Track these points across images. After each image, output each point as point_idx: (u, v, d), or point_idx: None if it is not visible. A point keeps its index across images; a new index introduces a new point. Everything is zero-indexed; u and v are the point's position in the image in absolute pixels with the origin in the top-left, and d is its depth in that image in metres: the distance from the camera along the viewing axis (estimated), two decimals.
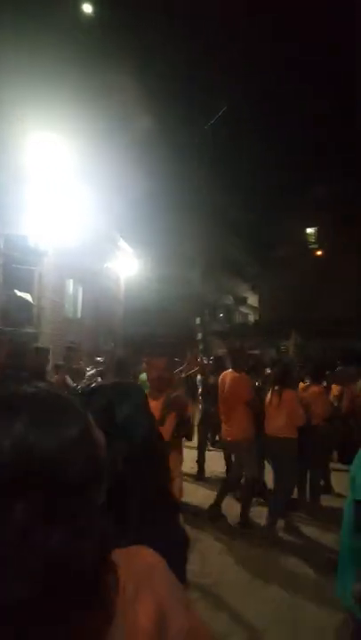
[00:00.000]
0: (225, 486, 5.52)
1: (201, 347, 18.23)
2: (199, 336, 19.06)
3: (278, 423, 5.08)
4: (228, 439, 5.45)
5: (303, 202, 25.74)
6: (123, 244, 17.01)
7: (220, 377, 5.70)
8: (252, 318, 29.75)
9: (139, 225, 17.59)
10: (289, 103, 27.82)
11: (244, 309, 30.32)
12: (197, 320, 19.83)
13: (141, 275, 18.29)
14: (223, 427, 5.53)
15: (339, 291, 21.80)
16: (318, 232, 29.08)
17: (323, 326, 19.20)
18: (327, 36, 22.24)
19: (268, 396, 5.34)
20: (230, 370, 5.62)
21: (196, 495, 6.03)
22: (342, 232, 23.92)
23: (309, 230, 29.86)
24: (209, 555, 4.53)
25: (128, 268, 17.48)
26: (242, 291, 30.02)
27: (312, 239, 29.71)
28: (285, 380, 5.24)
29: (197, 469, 6.96)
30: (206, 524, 5.21)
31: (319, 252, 27.70)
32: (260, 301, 30.50)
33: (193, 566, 3.98)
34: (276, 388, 5.22)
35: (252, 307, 31.13)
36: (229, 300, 28.07)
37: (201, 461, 7.01)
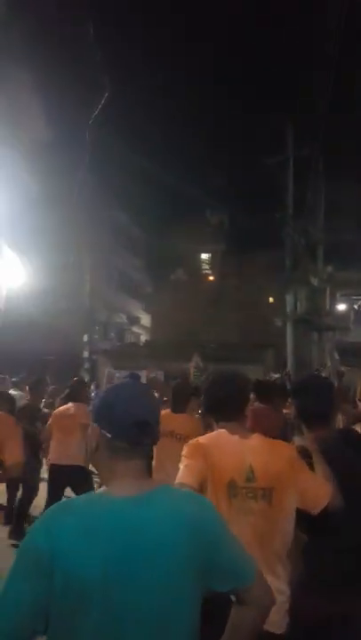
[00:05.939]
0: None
1: (87, 365, 17.32)
2: (85, 354, 18.12)
3: None
4: None
5: (199, 227, 26.28)
6: (6, 250, 15.62)
7: None
8: (143, 339, 29.36)
9: (26, 232, 16.32)
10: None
11: (136, 329, 29.85)
12: (85, 337, 18.82)
13: (29, 285, 16.92)
14: None
15: (226, 316, 22.39)
16: (212, 258, 29.93)
17: (212, 351, 19.29)
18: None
19: None
20: None
21: None
22: (233, 260, 24.75)
23: (204, 256, 30.63)
24: None
25: (11, 276, 16.03)
26: (135, 310, 29.55)
27: (206, 264, 30.47)
28: None
29: None
30: None
31: (211, 278, 28.46)
32: (152, 322, 30.23)
33: None
34: None
35: (144, 327, 30.74)
36: (122, 319, 27.41)
37: None
